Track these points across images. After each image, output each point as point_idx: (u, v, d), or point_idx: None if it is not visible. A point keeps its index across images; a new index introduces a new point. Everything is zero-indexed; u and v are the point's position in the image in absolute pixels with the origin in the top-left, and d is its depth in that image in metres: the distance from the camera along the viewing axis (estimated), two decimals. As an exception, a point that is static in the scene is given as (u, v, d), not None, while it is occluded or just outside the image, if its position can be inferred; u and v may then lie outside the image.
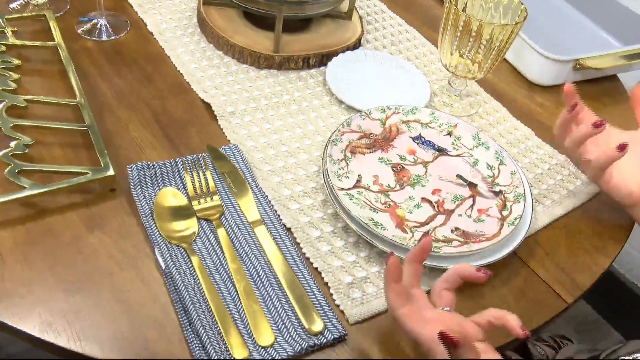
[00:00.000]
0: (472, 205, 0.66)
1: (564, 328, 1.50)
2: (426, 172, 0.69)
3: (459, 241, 0.61)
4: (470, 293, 0.60)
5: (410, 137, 0.73)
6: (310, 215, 0.65)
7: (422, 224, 0.63)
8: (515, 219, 0.63)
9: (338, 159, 0.68)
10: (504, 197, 0.67)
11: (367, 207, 0.63)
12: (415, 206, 0.65)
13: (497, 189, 0.68)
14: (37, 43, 0.78)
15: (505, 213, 0.65)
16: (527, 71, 0.90)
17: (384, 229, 0.61)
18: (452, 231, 0.63)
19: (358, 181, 0.66)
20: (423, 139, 0.73)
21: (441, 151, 0.72)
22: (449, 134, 0.74)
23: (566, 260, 0.66)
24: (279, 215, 0.64)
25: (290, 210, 0.65)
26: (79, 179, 0.62)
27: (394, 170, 0.69)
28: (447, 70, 0.79)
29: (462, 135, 0.74)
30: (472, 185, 0.69)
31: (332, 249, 0.62)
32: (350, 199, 0.63)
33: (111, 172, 0.63)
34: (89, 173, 0.62)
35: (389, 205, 0.65)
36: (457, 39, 0.74)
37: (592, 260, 0.66)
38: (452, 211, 0.65)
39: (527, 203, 0.65)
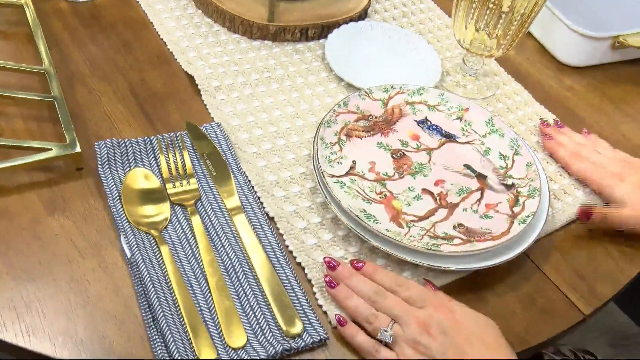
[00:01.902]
0: (479, 200, 0.65)
1: (594, 341, 1.47)
2: (430, 160, 0.68)
3: (461, 239, 0.60)
4: (472, 299, 0.58)
5: (415, 120, 0.72)
6: (296, 204, 0.64)
7: (421, 218, 0.62)
8: (528, 216, 0.62)
9: (331, 143, 0.67)
10: (516, 191, 0.65)
11: (359, 197, 0.62)
12: (414, 198, 0.64)
13: (509, 182, 0.66)
14: (1, 0, 0.77)
15: (516, 209, 0.63)
16: (557, 49, 0.88)
17: (377, 222, 0.60)
18: (454, 227, 0.61)
19: (352, 168, 0.65)
20: (429, 123, 0.72)
21: (449, 137, 0.71)
22: (459, 118, 0.72)
23: (586, 266, 0.64)
24: (261, 203, 0.63)
25: (274, 197, 0.64)
26: (41, 155, 0.61)
27: (393, 157, 0.68)
28: (461, 46, 0.77)
29: (473, 120, 0.72)
30: (481, 177, 0.67)
31: (319, 242, 0.61)
32: (342, 187, 0.62)
33: (77, 149, 0.62)
34: (52, 149, 0.62)
35: (385, 195, 0.63)
36: (473, 10, 0.72)
37: (616, 268, 0.64)
38: (456, 205, 0.64)
39: (543, 199, 0.64)
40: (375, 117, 0.71)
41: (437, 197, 0.64)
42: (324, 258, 0.58)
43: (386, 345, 0.52)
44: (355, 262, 0.57)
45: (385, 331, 0.52)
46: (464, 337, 0.50)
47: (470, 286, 0.60)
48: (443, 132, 0.71)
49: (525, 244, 0.60)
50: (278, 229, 0.61)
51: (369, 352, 0.52)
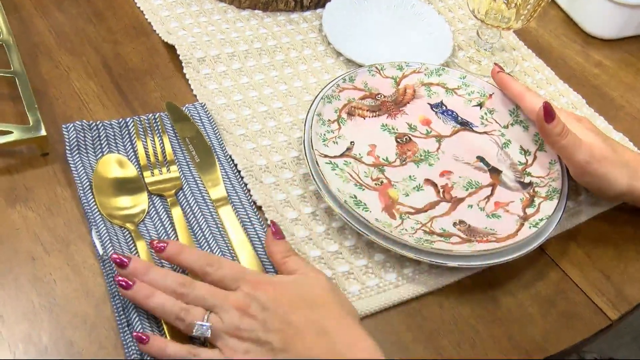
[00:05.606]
0: (488, 196, 0.64)
1: (626, 347, 1.48)
2: (439, 148, 0.67)
3: (460, 238, 0.59)
4: (482, 300, 0.59)
5: (429, 103, 0.72)
6: (287, 191, 0.63)
7: (418, 211, 0.61)
8: (541, 219, 0.61)
9: (329, 120, 0.66)
10: (533, 191, 0.65)
11: (352, 181, 0.62)
12: (414, 188, 0.63)
13: (527, 179, 0.66)
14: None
15: (530, 211, 0.62)
16: (585, 20, 0.87)
17: (367, 210, 0.59)
18: (454, 224, 0.61)
19: (348, 149, 0.65)
20: (444, 108, 0.71)
21: (464, 125, 0.70)
22: (480, 105, 0.72)
23: (614, 266, 0.64)
24: (249, 190, 0.63)
25: (263, 184, 0.64)
26: (0, 139, 0.60)
27: (398, 142, 0.67)
28: (475, 17, 0.76)
29: (496, 108, 0.71)
30: (494, 172, 0.66)
31: (311, 235, 0.61)
32: (333, 169, 0.62)
33: (43, 132, 0.62)
34: (13, 132, 0.61)
35: (381, 182, 0.63)
36: (490, -25, 0.71)
37: (648, 267, 0.64)
38: (461, 200, 0.63)
39: (561, 202, 0.63)
40: (384, 97, 0.71)
41: (441, 190, 0.64)
42: (111, 255, 0.52)
43: (206, 342, 0.51)
44: (156, 242, 0.54)
45: (202, 325, 0.50)
46: (287, 305, 0.50)
47: (480, 285, 0.60)
48: (459, 118, 0.71)
49: (531, 245, 0.60)
50: (266, 219, 0.61)
51: None
